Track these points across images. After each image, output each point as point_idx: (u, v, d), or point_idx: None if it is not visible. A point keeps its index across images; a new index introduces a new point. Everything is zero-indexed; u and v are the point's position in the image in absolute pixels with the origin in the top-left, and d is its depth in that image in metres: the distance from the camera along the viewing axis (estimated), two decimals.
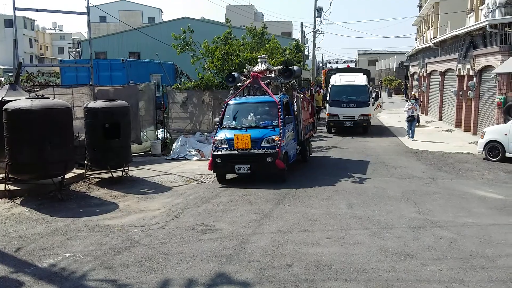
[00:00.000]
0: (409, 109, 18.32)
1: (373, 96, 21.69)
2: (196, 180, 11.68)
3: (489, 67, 17.93)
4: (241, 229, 7.83)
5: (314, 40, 44.20)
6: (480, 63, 18.84)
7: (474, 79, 19.59)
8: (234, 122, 11.63)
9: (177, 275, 6.04)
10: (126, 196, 10.22)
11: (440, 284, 5.71)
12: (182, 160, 14.47)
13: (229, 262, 6.42)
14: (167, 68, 21.67)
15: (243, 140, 10.84)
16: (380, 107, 23.60)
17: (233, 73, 12.84)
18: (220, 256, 6.64)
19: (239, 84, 12.73)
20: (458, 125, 21.74)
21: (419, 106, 24.31)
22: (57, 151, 9.79)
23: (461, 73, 21.44)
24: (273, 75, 12.81)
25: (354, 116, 20.24)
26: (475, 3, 32.29)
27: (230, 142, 10.92)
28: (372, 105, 20.99)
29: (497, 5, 27.71)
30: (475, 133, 19.09)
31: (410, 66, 38.72)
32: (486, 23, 17.34)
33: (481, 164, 13.35)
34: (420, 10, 50.01)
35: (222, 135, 11.18)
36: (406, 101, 18.57)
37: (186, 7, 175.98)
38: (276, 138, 10.88)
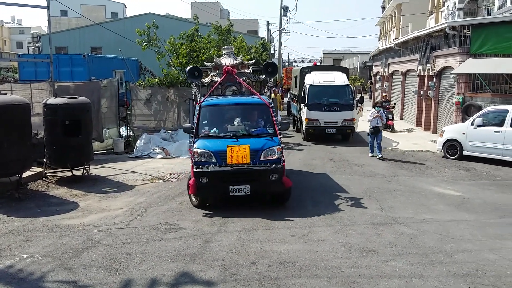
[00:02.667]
0: (373, 118, 14.56)
1: (357, 98, 19.16)
2: (160, 179, 11.51)
3: (448, 68, 18.52)
4: (205, 227, 7.77)
5: (280, 38, 44.47)
6: (440, 64, 19.43)
7: (434, 79, 20.19)
8: (215, 129, 9.23)
9: (140, 275, 5.93)
10: (87, 195, 9.97)
11: (401, 279, 5.85)
12: (146, 158, 14.25)
13: (193, 261, 6.35)
14: (131, 64, 21.31)
15: (239, 153, 8.42)
16: (362, 110, 20.36)
17: (198, 66, 10.66)
18: (184, 255, 6.57)
19: (205, 80, 10.72)
20: (418, 124, 22.34)
21: (389, 110, 21.23)
22: (14, 148, 9.45)
23: (422, 74, 22.05)
24: (247, 70, 10.97)
25: (337, 122, 17.62)
26: (435, 5, 33.30)
27: (219, 155, 8.46)
28: (356, 109, 18.10)
29: (457, 7, 28.67)
30: (434, 132, 19.69)
31: (373, 66, 39.51)
32: (446, 25, 17.89)
33: (440, 162, 13.77)
34: (383, 11, 51.17)
35: (204, 146, 8.69)
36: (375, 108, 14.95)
37: (150, 2, 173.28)
38: (278, 149, 8.77)
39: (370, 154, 14.86)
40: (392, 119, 21.49)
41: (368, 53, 43.29)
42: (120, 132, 16.07)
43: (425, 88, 21.34)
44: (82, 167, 11.39)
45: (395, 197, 9.78)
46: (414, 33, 23.13)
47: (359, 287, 5.62)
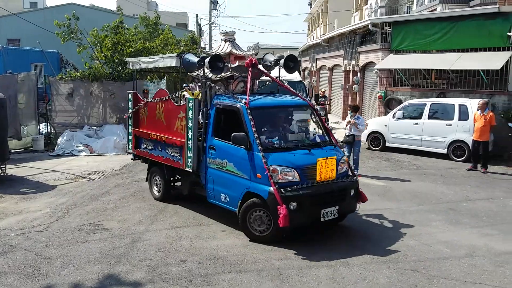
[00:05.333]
0: (348, 125, 11.42)
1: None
2: (84, 177, 10.97)
3: (371, 63, 19.33)
4: (133, 227, 7.51)
5: (210, 32, 44.02)
6: (363, 59, 20.23)
7: (359, 74, 21.01)
8: (277, 139, 7.33)
9: (61, 280, 5.59)
10: (3, 197, 9.27)
11: (328, 268, 6.00)
12: (69, 156, 13.53)
13: (119, 262, 6.10)
14: (51, 57, 20.17)
15: (327, 168, 6.92)
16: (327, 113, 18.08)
17: (220, 55, 7.77)
18: (110, 256, 6.29)
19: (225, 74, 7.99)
20: (345, 118, 23.11)
21: (322, 106, 19.47)
22: None
23: (347, 69, 22.86)
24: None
25: None
26: (359, 3, 34.58)
27: (302, 172, 6.74)
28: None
29: (379, 5, 29.95)
30: None
31: (302, 62, 40.39)
32: (369, 22, 18.64)
33: (364, 153, 14.34)
34: (310, 7, 52.40)
35: (284, 161, 6.73)
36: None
37: None
38: (346, 159, 7.54)
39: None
40: (325, 115, 21.70)
41: (297, 48, 44.14)
42: (39, 129, 15.14)
43: (350, 83, 22.16)
44: None
45: None
46: (339, 30, 23.91)
47: (288, 278, 5.68)
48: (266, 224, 6.77)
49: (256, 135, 6.79)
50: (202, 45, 41.54)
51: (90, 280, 5.60)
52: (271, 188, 6.49)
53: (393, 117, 14.68)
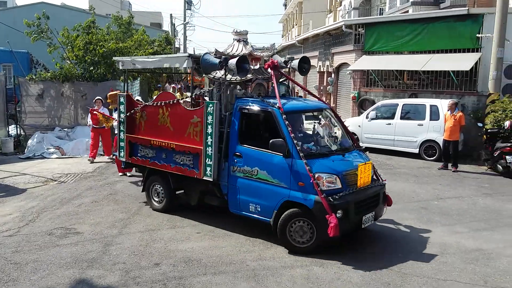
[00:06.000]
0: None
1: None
2: (55, 180, 10.73)
3: (345, 64, 19.55)
4: (105, 230, 7.38)
5: (184, 32, 43.78)
6: (337, 60, 20.44)
7: (333, 75, 21.22)
8: (312, 144, 7.15)
9: (32, 286, 5.45)
10: None
11: (303, 268, 6.02)
12: (39, 158, 13.20)
13: (91, 267, 5.98)
14: (20, 57, 19.68)
15: (365, 173, 6.83)
16: None
17: (246, 56, 7.48)
18: (82, 261, 6.17)
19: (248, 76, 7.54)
20: None
21: None
22: None
23: (322, 70, 23.06)
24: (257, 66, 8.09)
25: None
26: (333, 4, 34.95)
27: (343, 178, 6.53)
28: None
29: (352, 7, 30.33)
30: None
31: None
32: (342, 23, 18.85)
33: None
34: (285, 8, 52.66)
35: (326, 168, 6.51)
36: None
37: None
38: (372, 163, 7.33)
39: None
40: None
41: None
42: (9, 131, 14.71)
43: (324, 84, 22.35)
44: None
45: None
46: (313, 31, 24.11)
47: (263, 279, 5.68)
48: (308, 235, 6.47)
49: (295, 141, 6.50)
50: (177, 46, 41.26)
51: (61, 285, 5.47)
52: (317, 197, 6.22)
53: (367, 117, 14.86)
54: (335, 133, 7.78)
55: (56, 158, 13.26)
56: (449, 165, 12.46)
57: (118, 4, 51.49)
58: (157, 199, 8.44)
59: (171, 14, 40.74)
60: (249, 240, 6.98)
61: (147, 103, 8.50)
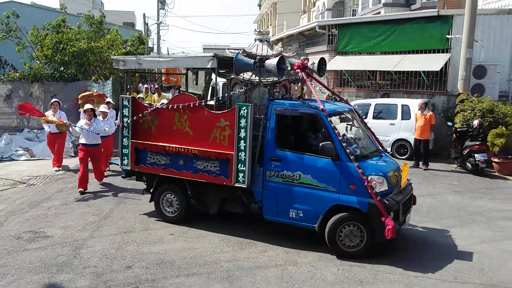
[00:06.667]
0: None
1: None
2: (24, 183, 10.44)
3: None
4: (76, 233, 7.22)
5: (158, 32, 43.38)
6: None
7: None
8: (354, 146, 6.89)
9: None
10: None
11: (277, 268, 6.03)
12: (8, 161, 12.82)
13: (61, 271, 5.84)
14: None
15: (404, 174, 6.97)
16: None
17: (283, 57, 7.48)
18: (51, 265, 6.02)
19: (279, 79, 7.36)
20: None
21: None
22: None
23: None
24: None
25: None
26: (307, 5, 35.20)
27: (388, 180, 6.46)
28: None
29: (326, 8, 30.61)
30: None
31: None
32: (316, 24, 18.99)
33: None
34: (260, 8, 52.77)
35: (376, 170, 6.43)
36: None
37: None
38: None
39: None
40: None
41: None
42: None
43: (299, 84, 22.44)
44: None
45: None
46: (288, 31, 24.23)
47: (237, 280, 5.66)
48: (358, 239, 6.33)
49: (344, 144, 6.34)
50: (150, 45, 40.83)
51: None
52: (371, 200, 6.09)
53: None
54: (364, 135, 7.64)
55: (25, 160, 12.91)
56: (420, 163, 12.69)
57: (90, 3, 50.61)
58: (170, 210, 7.80)
59: (144, 14, 40.29)
60: (223, 240, 6.95)
61: (159, 106, 7.67)
